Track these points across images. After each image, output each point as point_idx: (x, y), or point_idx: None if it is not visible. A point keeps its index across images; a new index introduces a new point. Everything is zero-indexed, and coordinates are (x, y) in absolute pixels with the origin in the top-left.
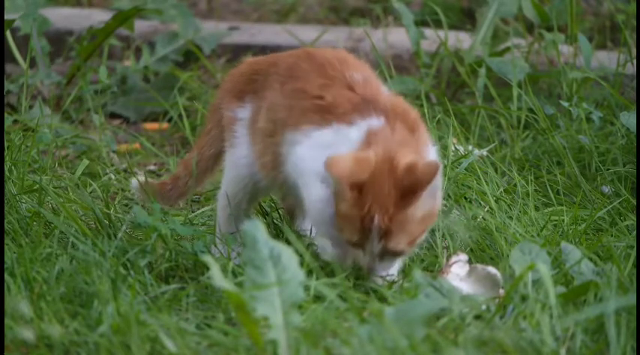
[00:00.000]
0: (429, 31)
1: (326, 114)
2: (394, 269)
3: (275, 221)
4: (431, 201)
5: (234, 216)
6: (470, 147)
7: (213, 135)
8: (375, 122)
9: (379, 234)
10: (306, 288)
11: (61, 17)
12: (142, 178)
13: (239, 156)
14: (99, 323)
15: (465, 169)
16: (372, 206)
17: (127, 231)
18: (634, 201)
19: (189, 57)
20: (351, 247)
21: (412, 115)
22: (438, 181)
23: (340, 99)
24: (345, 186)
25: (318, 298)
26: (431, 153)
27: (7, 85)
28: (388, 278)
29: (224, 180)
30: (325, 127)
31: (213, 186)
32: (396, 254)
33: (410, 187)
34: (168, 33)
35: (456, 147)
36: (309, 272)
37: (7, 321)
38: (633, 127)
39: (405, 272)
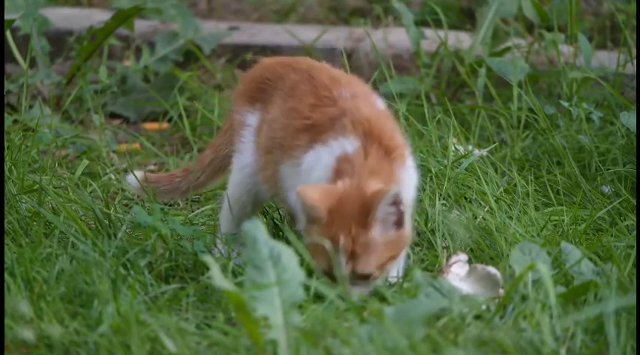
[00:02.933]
0: (429, 31)
1: (311, 134)
2: (394, 271)
3: (275, 221)
4: (389, 227)
5: (237, 218)
6: (470, 147)
7: (229, 136)
8: (349, 146)
9: (346, 256)
10: (306, 288)
11: (61, 17)
12: (139, 174)
13: (243, 164)
14: (99, 323)
15: (465, 169)
16: (338, 230)
17: (127, 231)
18: (634, 201)
19: (189, 57)
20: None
21: (389, 135)
22: (391, 210)
23: (322, 120)
24: (314, 214)
25: (318, 298)
26: (406, 174)
27: (7, 85)
28: (390, 280)
29: (230, 181)
30: (309, 150)
31: (213, 186)
32: (365, 277)
33: (367, 212)
34: (168, 33)
35: (456, 148)
36: (309, 273)
37: (7, 321)
38: (633, 127)
39: (405, 272)
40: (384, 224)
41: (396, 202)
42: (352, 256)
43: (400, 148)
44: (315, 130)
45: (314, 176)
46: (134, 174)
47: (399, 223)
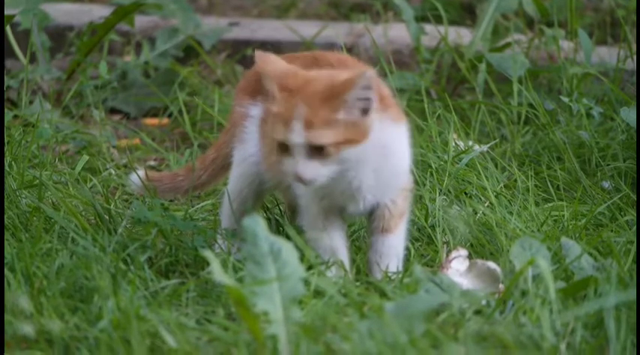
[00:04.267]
0: (429, 27)
1: None
2: (393, 264)
3: (276, 216)
4: (360, 112)
5: (238, 213)
6: (470, 143)
7: (231, 134)
8: None
9: (303, 124)
10: (306, 283)
11: (61, 12)
12: (141, 173)
13: (247, 154)
14: (99, 319)
15: (466, 165)
16: (300, 99)
17: (127, 226)
18: (634, 197)
19: (189, 52)
20: (280, 156)
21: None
22: (365, 95)
23: None
24: (275, 85)
25: (318, 293)
26: (402, 128)
27: (8, 81)
28: (389, 273)
29: (231, 175)
30: None
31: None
32: (319, 151)
33: (338, 91)
34: (168, 28)
35: (456, 143)
36: (309, 268)
37: (7, 316)
38: (633, 123)
39: (404, 267)
40: (350, 107)
41: (368, 87)
42: (308, 125)
43: (394, 106)
44: None
45: None
46: (137, 173)
47: (365, 111)
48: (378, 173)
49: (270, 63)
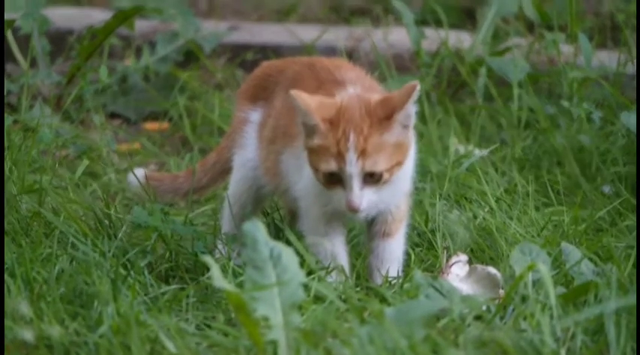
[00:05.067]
0: (429, 31)
1: None
2: (393, 269)
3: (276, 221)
4: (404, 131)
5: (238, 217)
6: (470, 147)
7: (233, 138)
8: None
9: (356, 152)
10: (307, 289)
11: (61, 17)
12: (141, 172)
13: (246, 159)
14: (99, 324)
15: (466, 169)
16: (347, 128)
17: (127, 231)
18: (634, 201)
19: (189, 56)
20: (328, 188)
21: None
22: (411, 111)
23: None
24: (317, 117)
25: (319, 298)
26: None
27: (8, 85)
28: (389, 278)
29: (231, 180)
30: None
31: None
32: (375, 177)
33: (384, 112)
34: (168, 32)
35: (456, 148)
36: (310, 273)
37: (7, 322)
38: (633, 127)
39: (405, 272)
40: (398, 127)
41: (415, 101)
42: (362, 154)
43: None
44: None
45: None
46: (134, 174)
47: (406, 127)
48: (392, 181)
49: (301, 98)
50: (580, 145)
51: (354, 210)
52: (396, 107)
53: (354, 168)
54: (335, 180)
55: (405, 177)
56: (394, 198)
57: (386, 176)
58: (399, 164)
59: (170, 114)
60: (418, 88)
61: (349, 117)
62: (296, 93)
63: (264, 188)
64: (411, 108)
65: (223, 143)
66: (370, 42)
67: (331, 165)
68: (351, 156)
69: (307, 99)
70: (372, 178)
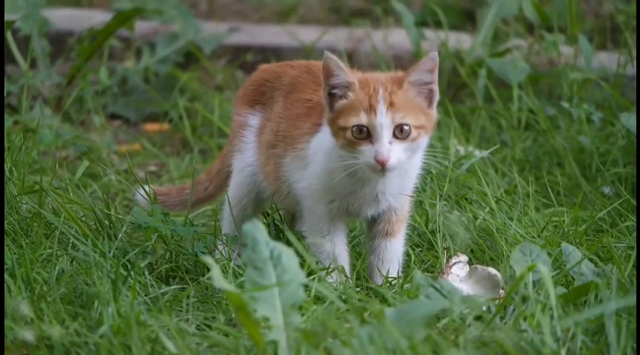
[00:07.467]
0: (429, 32)
1: (314, 118)
2: (394, 270)
3: (276, 222)
4: (423, 99)
5: (239, 219)
6: (470, 148)
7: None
8: None
9: (386, 104)
10: (307, 289)
11: (61, 18)
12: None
13: (245, 164)
14: (99, 324)
15: (466, 170)
16: (376, 85)
17: (128, 231)
18: (634, 202)
19: (189, 58)
20: (358, 144)
21: None
22: (428, 80)
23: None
24: (352, 76)
25: (319, 299)
26: None
27: (8, 86)
28: (389, 279)
29: (231, 183)
30: (315, 134)
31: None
32: (404, 133)
33: (402, 77)
34: (168, 34)
35: (456, 148)
36: (310, 273)
37: (7, 322)
38: (633, 128)
39: (405, 273)
40: (418, 90)
41: (432, 70)
42: (392, 106)
43: None
44: (318, 112)
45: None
46: (145, 190)
47: (430, 101)
48: (402, 176)
49: (335, 61)
50: (580, 146)
51: (382, 162)
52: (409, 71)
53: (384, 118)
54: (364, 136)
55: (414, 175)
56: (402, 196)
57: (414, 134)
58: (424, 129)
59: (170, 115)
60: (432, 56)
61: (376, 79)
62: (329, 55)
63: (264, 193)
64: (427, 77)
65: (225, 149)
66: (370, 43)
67: (362, 119)
68: (382, 108)
69: (340, 63)
70: (401, 133)
